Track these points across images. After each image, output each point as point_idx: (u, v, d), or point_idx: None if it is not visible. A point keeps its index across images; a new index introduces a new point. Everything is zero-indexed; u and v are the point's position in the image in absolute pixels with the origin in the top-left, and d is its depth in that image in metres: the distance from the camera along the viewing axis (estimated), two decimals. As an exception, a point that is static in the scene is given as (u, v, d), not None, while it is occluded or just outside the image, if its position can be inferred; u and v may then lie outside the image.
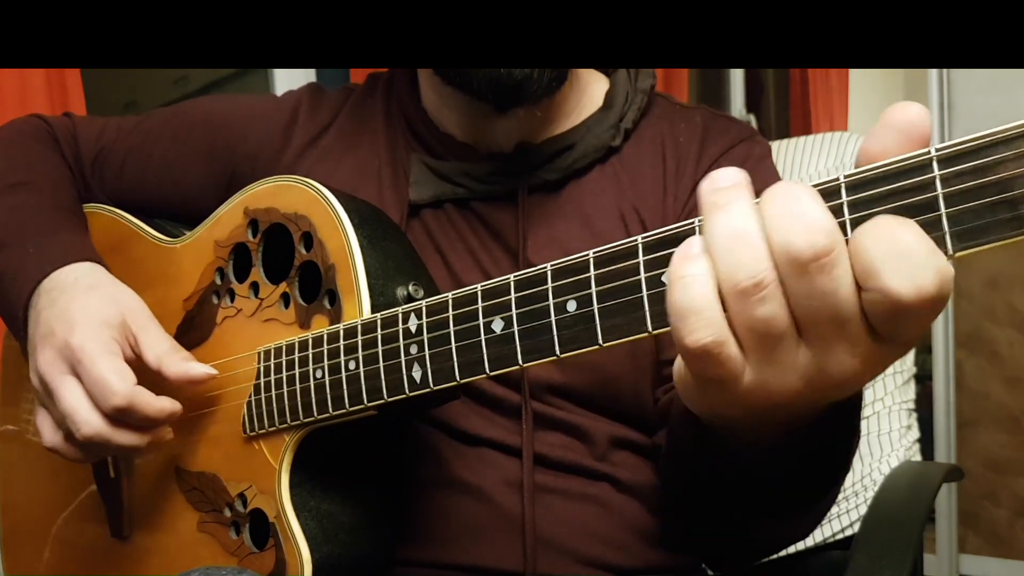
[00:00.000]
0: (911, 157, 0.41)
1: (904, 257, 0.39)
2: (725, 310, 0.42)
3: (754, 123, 3.23)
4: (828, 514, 1.16)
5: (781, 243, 0.40)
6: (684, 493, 0.73)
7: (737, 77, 3.27)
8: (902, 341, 0.42)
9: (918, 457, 1.23)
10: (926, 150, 0.40)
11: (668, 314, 0.43)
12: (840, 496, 1.18)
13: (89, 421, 0.71)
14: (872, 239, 0.39)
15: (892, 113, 0.42)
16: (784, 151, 1.34)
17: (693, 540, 0.81)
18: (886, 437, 1.20)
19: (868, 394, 1.23)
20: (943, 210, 0.40)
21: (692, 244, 0.44)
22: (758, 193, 0.43)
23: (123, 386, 0.70)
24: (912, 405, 1.25)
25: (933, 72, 2.49)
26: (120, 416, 0.71)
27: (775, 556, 1.17)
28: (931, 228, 0.40)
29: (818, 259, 0.40)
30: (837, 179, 0.43)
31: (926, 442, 1.61)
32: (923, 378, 2.53)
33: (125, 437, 0.72)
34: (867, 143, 0.43)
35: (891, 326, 0.41)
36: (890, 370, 1.24)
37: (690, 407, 0.51)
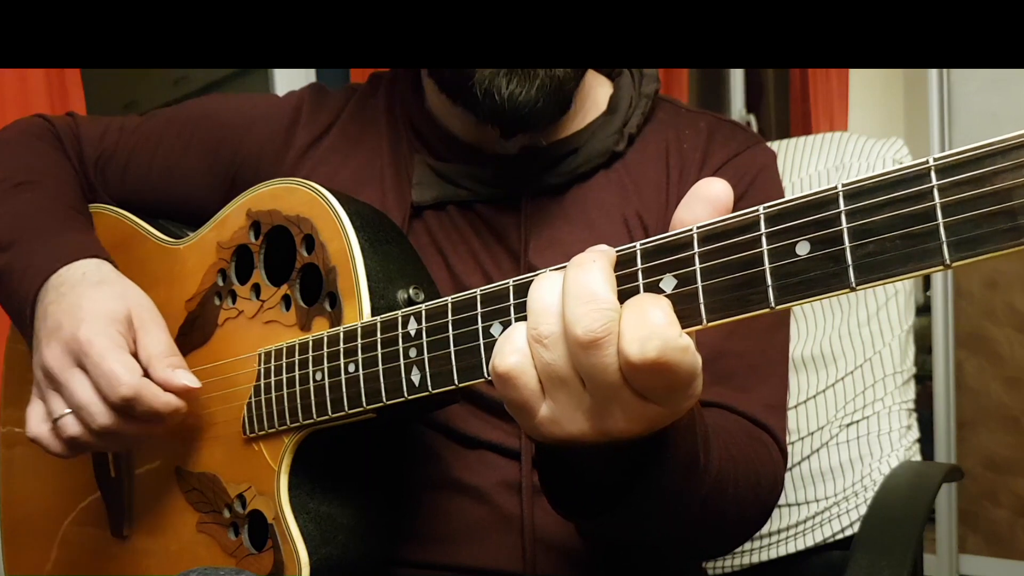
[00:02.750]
0: (910, 166, 0.41)
1: (639, 326, 0.46)
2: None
3: (754, 123, 3.22)
4: (827, 514, 1.17)
5: (568, 322, 0.47)
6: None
7: (737, 77, 3.27)
8: (662, 402, 0.49)
9: (918, 457, 1.23)
10: (924, 160, 0.41)
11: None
12: (840, 496, 1.18)
13: (105, 412, 0.71)
14: (626, 310, 0.47)
15: (700, 187, 0.49)
16: (784, 151, 1.34)
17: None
18: (886, 437, 1.21)
19: (868, 394, 1.23)
20: (940, 220, 0.40)
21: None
22: (763, 200, 0.46)
23: (130, 378, 0.71)
24: (912, 405, 1.25)
25: (933, 72, 2.49)
26: (126, 407, 0.71)
27: (775, 556, 1.18)
28: (929, 237, 0.40)
29: (594, 342, 0.46)
30: (835, 188, 0.43)
31: (926, 442, 1.62)
32: (923, 378, 2.53)
33: (131, 429, 0.73)
34: (679, 212, 0.49)
35: (640, 385, 0.47)
36: (890, 370, 1.24)
37: None
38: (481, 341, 0.56)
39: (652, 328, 0.45)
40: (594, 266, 0.48)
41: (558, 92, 0.76)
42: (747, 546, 1.21)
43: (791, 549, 1.18)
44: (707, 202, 0.48)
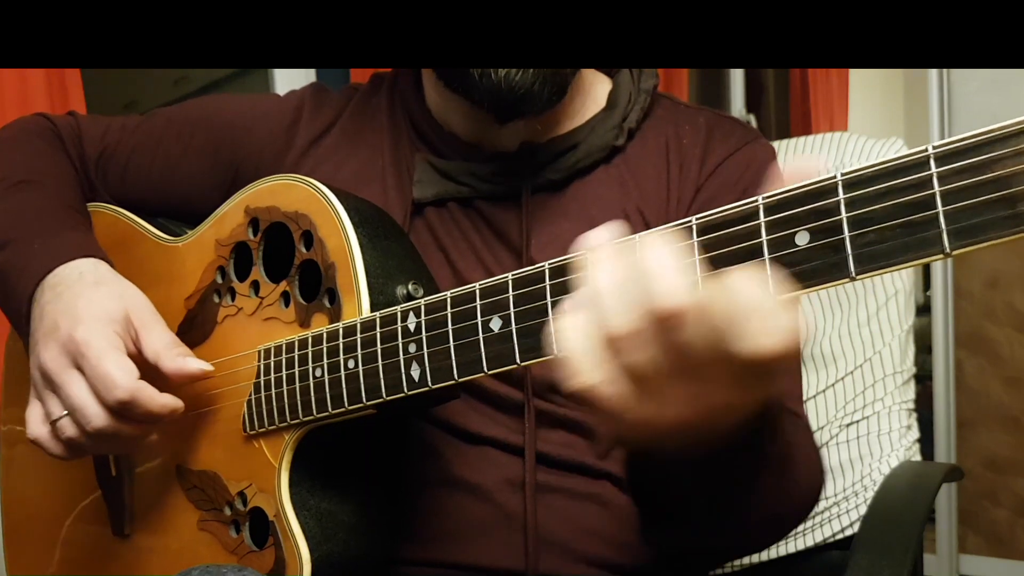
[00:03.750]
0: (909, 155, 0.41)
1: (745, 311, 0.42)
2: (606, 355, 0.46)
3: (754, 123, 3.22)
4: (827, 514, 1.17)
5: (644, 300, 0.44)
6: (639, 504, 0.74)
7: (737, 77, 3.26)
8: (763, 386, 0.47)
9: (918, 457, 1.23)
10: (923, 148, 0.41)
11: (561, 358, 0.48)
12: (840, 496, 1.18)
13: (100, 415, 0.71)
14: (719, 291, 0.43)
15: (794, 166, 0.46)
16: (784, 151, 1.34)
17: (660, 547, 0.81)
18: (886, 437, 1.20)
19: (868, 394, 1.23)
20: (940, 208, 0.40)
21: (574, 299, 0.48)
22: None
23: (126, 380, 0.71)
24: (912, 405, 1.25)
25: (933, 72, 2.49)
26: (123, 410, 0.71)
27: (775, 556, 1.18)
28: (928, 226, 0.40)
29: (675, 317, 0.43)
30: (834, 177, 0.43)
31: (926, 442, 1.61)
32: (923, 378, 2.52)
33: (128, 431, 0.73)
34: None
35: (746, 370, 0.44)
36: (890, 370, 1.24)
37: None
38: (481, 335, 0.56)
39: (754, 310, 0.42)
40: (661, 244, 0.45)
41: (555, 76, 0.77)
42: (747, 546, 1.21)
43: (791, 549, 1.18)
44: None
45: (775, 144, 1.32)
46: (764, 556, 1.19)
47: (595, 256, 0.47)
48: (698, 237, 0.47)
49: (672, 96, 0.92)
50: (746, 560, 1.20)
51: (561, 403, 0.80)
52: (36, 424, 0.76)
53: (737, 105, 3.23)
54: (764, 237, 0.45)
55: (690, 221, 0.48)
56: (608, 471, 0.81)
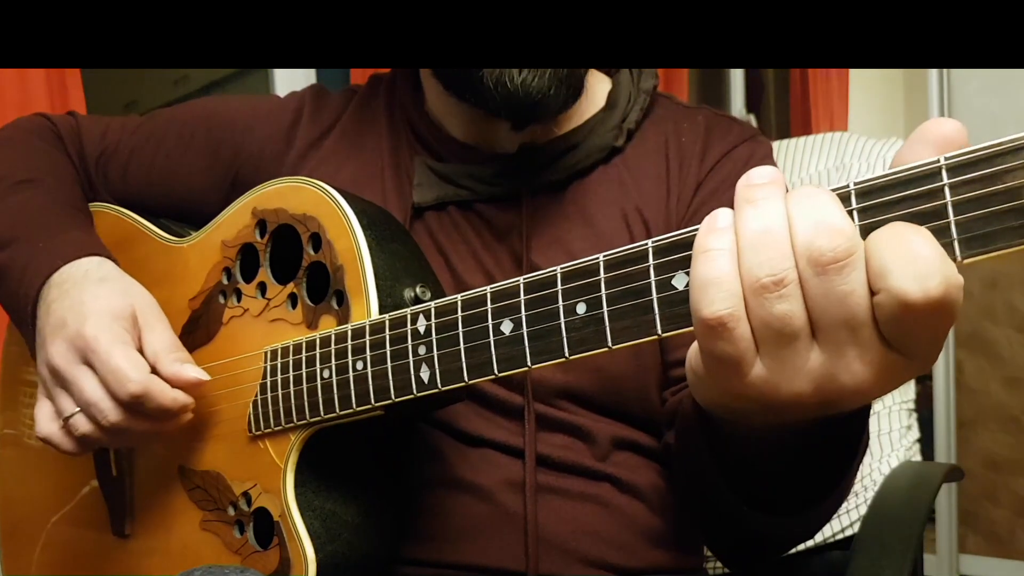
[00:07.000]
0: (922, 165, 0.41)
1: (913, 260, 0.40)
2: (745, 304, 0.43)
3: (754, 123, 3.22)
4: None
5: (804, 243, 0.42)
6: (693, 490, 0.73)
7: (737, 77, 3.26)
8: (914, 352, 0.43)
9: (918, 457, 1.23)
10: (935, 158, 0.41)
11: (691, 287, 0.45)
12: (841, 496, 1.18)
13: (115, 409, 0.71)
14: (885, 242, 0.41)
15: (928, 128, 0.43)
16: (784, 151, 1.34)
17: (705, 538, 0.80)
18: (886, 437, 1.21)
19: (869, 394, 1.23)
20: (952, 217, 0.40)
21: (718, 217, 0.45)
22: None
23: (138, 374, 0.71)
24: (912, 405, 1.25)
25: (933, 72, 2.49)
26: (135, 404, 0.71)
27: (776, 556, 1.18)
28: (940, 235, 0.41)
29: (837, 261, 0.41)
30: (847, 186, 0.43)
31: (926, 442, 1.62)
32: (923, 378, 2.53)
33: (142, 426, 0.73)
34: (903, 155, 0.43)
35: (900, 331, 0.42)
36: (890, 370, 1.24)
37: (698, 398, 0.52)
38: (491, 338, 0.56)
39: (928, 261, 0.40)
40: (820, 191, 0.42)
41: (570, 78, 0.77)
42: (748, 546, 1.21)
43: (792, 549, 1.18)
44: (931, 144, 0.42)
45: (775, 144, 1.32)
46: (764, 556, 1.19)
47: (751, 193, 0.44)
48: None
49: (671, 96, 0.92)
50: (746, 560, 1.20)
51: (561, 407, 0.80)
52: (46, 422, 0.76)
53: (737, 105, 3.23)
54: None
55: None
56: (608, 473, 0.81)
